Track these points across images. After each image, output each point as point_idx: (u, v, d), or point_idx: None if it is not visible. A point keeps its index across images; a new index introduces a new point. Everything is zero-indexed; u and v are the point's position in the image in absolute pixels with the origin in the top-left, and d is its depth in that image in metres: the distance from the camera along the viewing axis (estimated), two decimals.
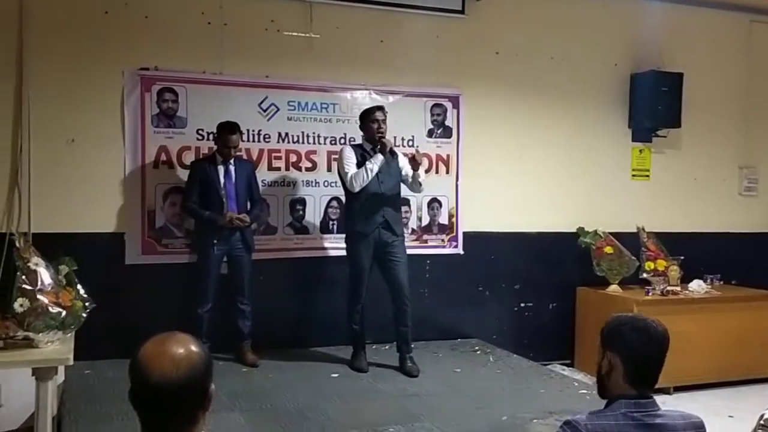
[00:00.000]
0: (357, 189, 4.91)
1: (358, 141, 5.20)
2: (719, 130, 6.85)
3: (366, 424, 3.99)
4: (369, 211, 4.95)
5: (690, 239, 6.53)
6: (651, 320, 2.16)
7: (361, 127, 5.11)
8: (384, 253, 5.01)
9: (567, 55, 6.25)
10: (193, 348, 1.64)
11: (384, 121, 5.00)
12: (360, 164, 4.94)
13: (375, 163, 4.90)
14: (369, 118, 5.02)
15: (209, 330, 4.92)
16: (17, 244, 3.77)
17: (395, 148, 5.23)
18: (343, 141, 5.55)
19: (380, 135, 4.95)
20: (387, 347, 5.65)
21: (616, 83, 6.46)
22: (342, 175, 5.01)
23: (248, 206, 5.14)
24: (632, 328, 2.13)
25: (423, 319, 5.88)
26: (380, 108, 5.11)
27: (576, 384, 5.04)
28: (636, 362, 2.10)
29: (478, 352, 5.69)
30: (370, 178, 4.89)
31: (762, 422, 2.54)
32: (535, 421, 4.09)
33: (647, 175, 6.65)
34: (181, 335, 1.66)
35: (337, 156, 5.26)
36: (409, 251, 5.70)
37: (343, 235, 5.30)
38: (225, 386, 4.38)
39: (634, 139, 6.57)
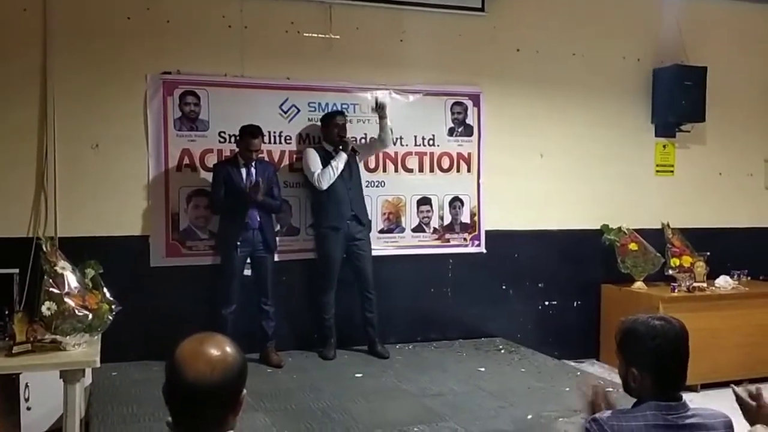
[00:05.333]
0: (325, 186, 5.20)
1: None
2: (744, 123, 6.76)
3: (390, 423, 3.99)
4: (339, 206, 5.27)
5: (716, 235, 6.44)
6: (663, 321, 2.08)
7: (322, 130, 5.39)
8: (352, 246, 5.34)
9: (588, 51, 6.20)
10: (230, 351, 1.65)
11: (344, 126, 5.32)
12: (323, 164, 5.21)
13: (340, 161, 5.22)
14: (330, 123, 5.32)
15: (233, 331, 4.95)
16: (44, 248, 3.83)
17: (355, 146, 5.42)
18: (363, 141, 5.56)
19: (341, 137, 5.25)
20: (410, 347, 5.67)
21: (638, 78, 6.39)
22: (308, 174, 5.28)
23: None
24: (650, 337, 2.05)
25: (446, 318, 5.89)
26: (340, 113, 5.42)
27: (601, 382, 4.99)
28: (659, 373, 2.05)
29: (503, 351, 5.67)
30: (335, 175, 5.20)
31: None
32: (560, 419, 4.07)
33: (671, 171, 6.57)
34: (220, 337, 1.68)
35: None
36: (431, 251, 5.80)
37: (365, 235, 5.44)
38: (250, 386, 4.23)
39: (657, 135, 6.50)
